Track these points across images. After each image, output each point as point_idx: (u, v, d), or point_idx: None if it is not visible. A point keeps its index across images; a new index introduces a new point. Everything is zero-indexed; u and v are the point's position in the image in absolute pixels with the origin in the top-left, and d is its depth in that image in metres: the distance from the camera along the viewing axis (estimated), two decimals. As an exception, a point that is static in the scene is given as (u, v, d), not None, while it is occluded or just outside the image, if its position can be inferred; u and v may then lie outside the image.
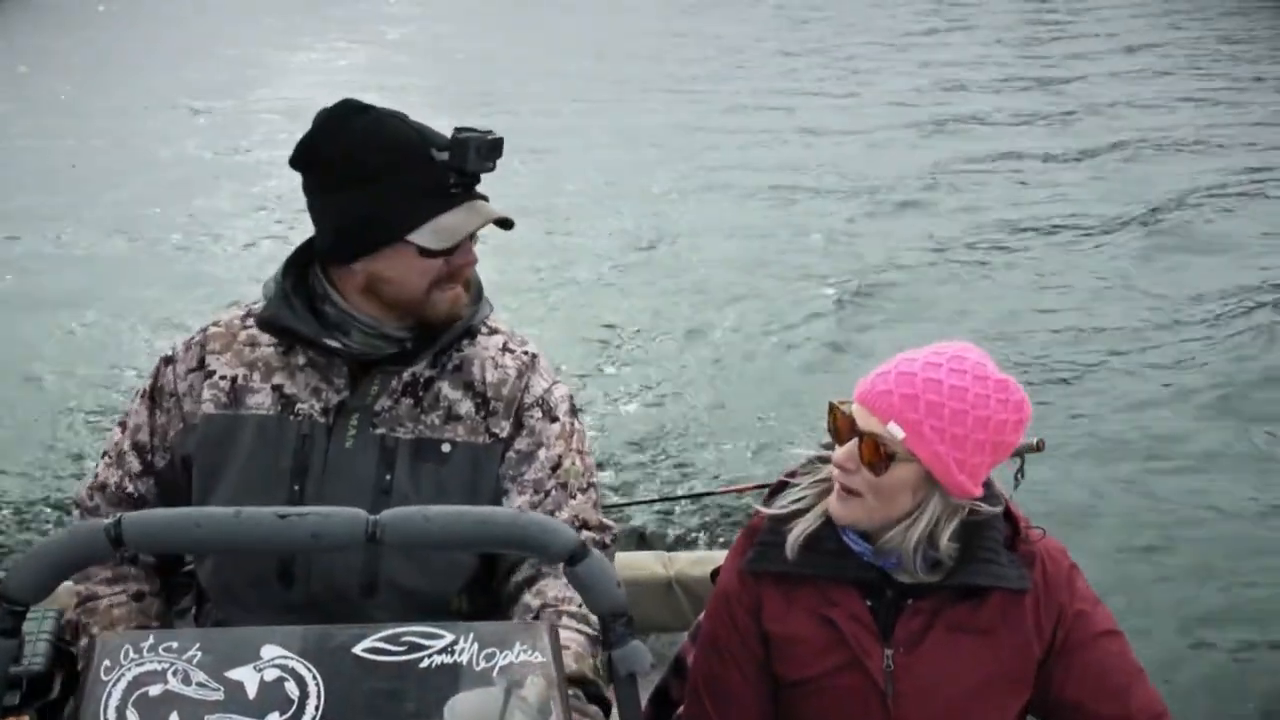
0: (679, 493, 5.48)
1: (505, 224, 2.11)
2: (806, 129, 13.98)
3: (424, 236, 2.04)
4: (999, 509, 2.02)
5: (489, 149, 2.04)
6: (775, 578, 2.05)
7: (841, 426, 1.97)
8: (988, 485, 2.01)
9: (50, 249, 9.71)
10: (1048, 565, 2.04)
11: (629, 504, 5.23)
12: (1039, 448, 3.21)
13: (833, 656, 2.03)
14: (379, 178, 2.03)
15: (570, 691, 1.78)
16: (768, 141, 13.47)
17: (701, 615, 2.39)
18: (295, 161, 2.11)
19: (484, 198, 2.11)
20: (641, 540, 4.99)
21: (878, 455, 1.90)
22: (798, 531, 2.02)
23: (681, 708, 2.23)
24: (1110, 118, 14.48)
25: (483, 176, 2.09)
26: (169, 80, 16.64)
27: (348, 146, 2.05)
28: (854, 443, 1.93)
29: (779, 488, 2.12)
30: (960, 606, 2.01)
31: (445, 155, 2.03)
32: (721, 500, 5.36)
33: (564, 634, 1.95)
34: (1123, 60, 18.18)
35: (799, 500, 2.06)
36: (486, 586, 2.18)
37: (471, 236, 2.10)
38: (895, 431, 1.89)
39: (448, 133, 2.07)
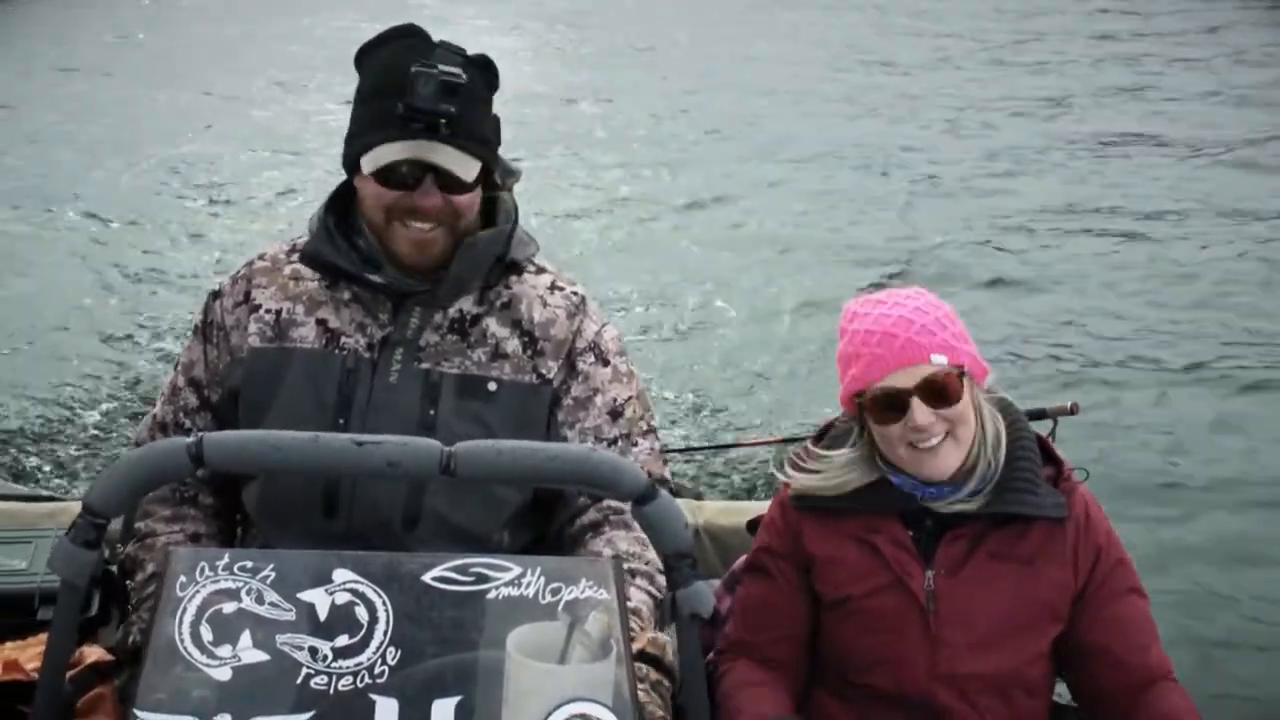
0: (707, 443, 5.50)
1: (453, 182, 2.03)
2: (877, 100, 13.61)
3: (367, 162, 2.04)
4: (1030, 427, 2.13)
5: (439, 88, 1.97)
6: (818, 511, 2.14)
7: (891, 404, 2.01)
8: (1014, 413, 2.12)
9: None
10: (1090, 507, 2.12)
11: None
12: (1073, 411, 3.22)
13: (875, 577, 2.10)
14: (364, 101, 2.07)
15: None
16: (843, 112, 13.09)
17: (736, 563, 2.44)
18: None
19: (464, 143, 2.03)
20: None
21: (953, 386, 1.99)
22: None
23: (713, 652, 2.27)
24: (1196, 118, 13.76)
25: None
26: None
27: (365, 68, 2.08)
28: (916, 401, 1.99)
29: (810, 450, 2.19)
30: (1002, 535, 2.07)
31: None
32: (749, 452, 5.38)
33: (633, 594, 1.98)
34: (1210, 47, 17.42)
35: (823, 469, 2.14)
36: (530, 523, 2.19)
37: (436, 176, 2.03)
38: (940, 359, 1.99)
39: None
